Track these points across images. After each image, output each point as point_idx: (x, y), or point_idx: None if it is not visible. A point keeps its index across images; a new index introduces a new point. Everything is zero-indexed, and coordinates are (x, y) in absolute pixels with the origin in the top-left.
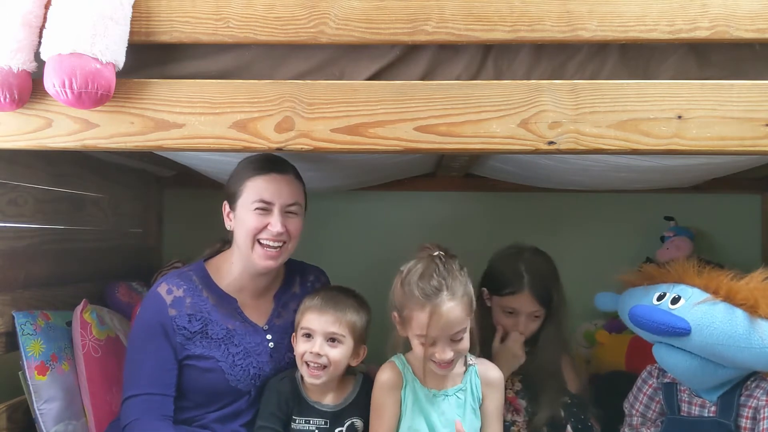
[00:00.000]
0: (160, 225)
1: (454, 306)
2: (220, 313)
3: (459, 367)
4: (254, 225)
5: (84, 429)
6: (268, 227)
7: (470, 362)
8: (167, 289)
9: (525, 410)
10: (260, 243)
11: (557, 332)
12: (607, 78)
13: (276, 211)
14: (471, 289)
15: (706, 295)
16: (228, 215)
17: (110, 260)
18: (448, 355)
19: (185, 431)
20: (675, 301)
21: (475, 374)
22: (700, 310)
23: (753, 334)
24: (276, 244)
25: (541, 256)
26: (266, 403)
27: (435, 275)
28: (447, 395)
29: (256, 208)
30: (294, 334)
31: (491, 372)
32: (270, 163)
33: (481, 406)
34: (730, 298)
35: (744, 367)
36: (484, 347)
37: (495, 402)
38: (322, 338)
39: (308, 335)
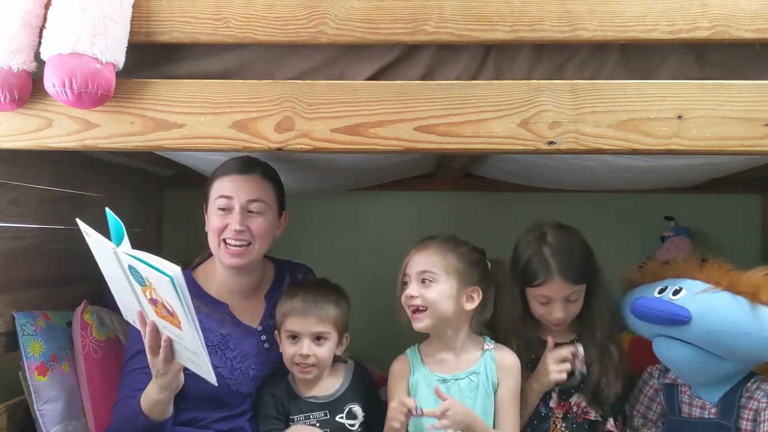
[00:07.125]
0: (160, 225)
1: (430, 249)
2: (213, 320)
3: (475, 351)
4: (216, 225)
5: (84, 429)
6: (229, 226)
7: (487, 347)
8: None
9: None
10: (225, 242)
11: (597, 320)
12: (607, 78)
13: (236, 210)
14: (463, 268)
15: (707, 286)
16: (207, 219)
17: None
18: (413, 290)
19: None
20: (676, 292)
21: (491, 359)
22: (702, 299)
23: (754, 319)
24: (238, 243)
25: (565, 232)
26: (264, 407)
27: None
28: (458, 379)
29: (218, 208)
30: (277, 332)
31: (507, 357)
32: (236, 163)
33: (495, 392)
34: (732, 287)
35: (744, 355)
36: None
37: (508, 388)
38: (308, 339)
39: (294, 337)
